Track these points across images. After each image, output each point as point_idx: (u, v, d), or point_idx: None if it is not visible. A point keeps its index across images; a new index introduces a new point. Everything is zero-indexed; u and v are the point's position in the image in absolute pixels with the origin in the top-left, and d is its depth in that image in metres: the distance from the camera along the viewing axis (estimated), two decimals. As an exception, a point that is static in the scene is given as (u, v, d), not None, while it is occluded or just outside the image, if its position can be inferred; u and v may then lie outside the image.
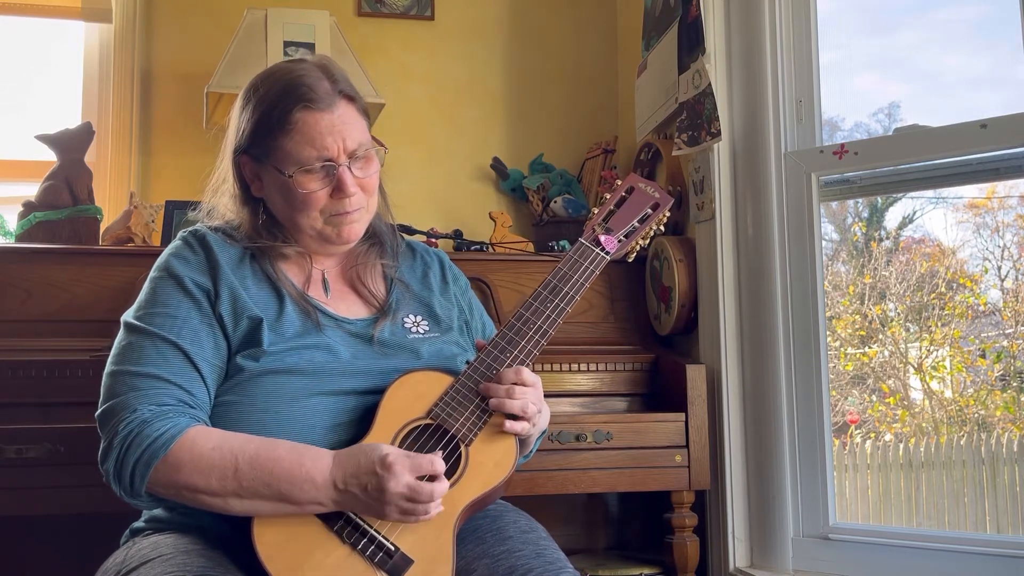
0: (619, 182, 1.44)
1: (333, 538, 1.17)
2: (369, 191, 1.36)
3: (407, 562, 1.16)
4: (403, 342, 1.34)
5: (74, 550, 1.97)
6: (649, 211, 1.40)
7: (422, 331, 1.37)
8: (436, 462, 1.16)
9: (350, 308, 1.37)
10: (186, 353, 1.23)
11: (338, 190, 1.31)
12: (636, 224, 1.39)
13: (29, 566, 2.01)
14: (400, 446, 1.22)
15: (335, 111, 1.30)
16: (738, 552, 2.05)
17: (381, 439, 1.22)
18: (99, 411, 1.22)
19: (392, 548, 1.16)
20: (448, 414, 1.25)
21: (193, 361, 1.23)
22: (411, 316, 1.39)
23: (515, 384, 1.27)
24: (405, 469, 1.14)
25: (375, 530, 1.17)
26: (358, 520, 1.18)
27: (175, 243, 1.35)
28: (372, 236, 1.44)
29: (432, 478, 1.15)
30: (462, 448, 1.24)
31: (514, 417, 1.26)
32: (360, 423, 1.25)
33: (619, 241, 1.38)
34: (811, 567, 1.97)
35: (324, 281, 1.38)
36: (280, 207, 1.35)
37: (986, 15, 2.24)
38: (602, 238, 1.37)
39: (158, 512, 1.29)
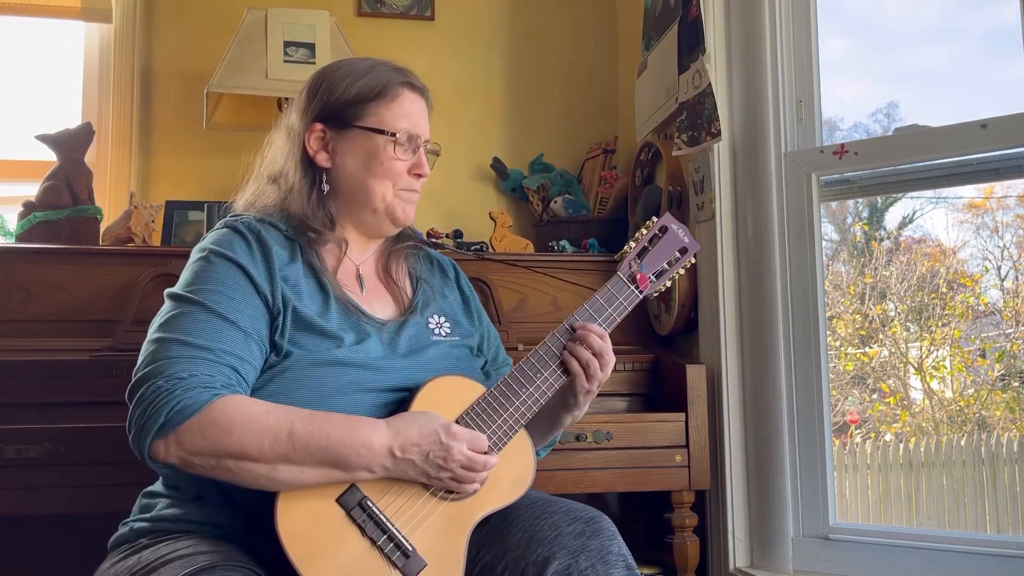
0: (655, 218, 1.47)
1: (353, 529, 1.18)
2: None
3: (421, 564, 1.19)
4: (427, 343, 1.38)
5: (74, 550, 1.97)
6: (678, 255, 1.45)
7: (444, 333, 1.43)
8: (486, 441, 1.24)
9: (383, 308, 1.41)
10: (241, 330, 1.22)
11: (417, 165, 1.40)
12: (666, 266, 1.44)
13: (29, 566, 2.01)
14: None
15: (426, 101, 1.45)
16: (738, 552, 2.05)
17: None
18: (138, 374, 1.17)
19: (409, 548, 1.19)
20: (476, 425, 1.27)
21: (245, 343, 1.22)
22: (435, 317, 1.44)
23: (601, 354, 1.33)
24: (466, 440, 1.21)
25: (395, 528, 1.20)
26: (380, 516, 1.19)
27: (224, 230, 1.33)
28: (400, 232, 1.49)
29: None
30: None
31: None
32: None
33: (651, 281, 1.43)
34: (811, 567, 1.97)
35: (359, 277, 1.42)
36: (354, 173, 1.38)
37: (987, 15, 2.24)
38: (638, 276, 1.42)
39: (166, 511, 1.26)
